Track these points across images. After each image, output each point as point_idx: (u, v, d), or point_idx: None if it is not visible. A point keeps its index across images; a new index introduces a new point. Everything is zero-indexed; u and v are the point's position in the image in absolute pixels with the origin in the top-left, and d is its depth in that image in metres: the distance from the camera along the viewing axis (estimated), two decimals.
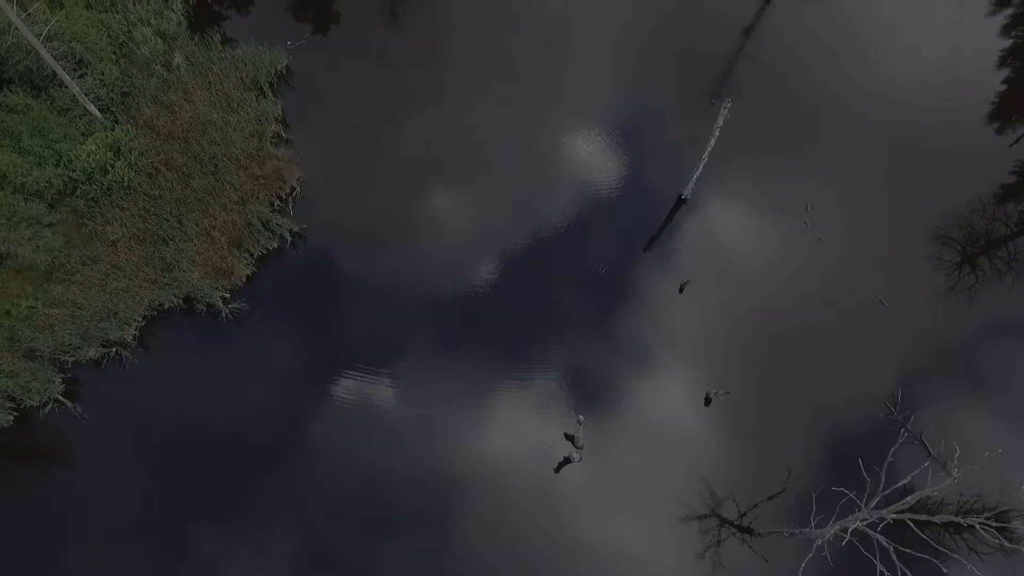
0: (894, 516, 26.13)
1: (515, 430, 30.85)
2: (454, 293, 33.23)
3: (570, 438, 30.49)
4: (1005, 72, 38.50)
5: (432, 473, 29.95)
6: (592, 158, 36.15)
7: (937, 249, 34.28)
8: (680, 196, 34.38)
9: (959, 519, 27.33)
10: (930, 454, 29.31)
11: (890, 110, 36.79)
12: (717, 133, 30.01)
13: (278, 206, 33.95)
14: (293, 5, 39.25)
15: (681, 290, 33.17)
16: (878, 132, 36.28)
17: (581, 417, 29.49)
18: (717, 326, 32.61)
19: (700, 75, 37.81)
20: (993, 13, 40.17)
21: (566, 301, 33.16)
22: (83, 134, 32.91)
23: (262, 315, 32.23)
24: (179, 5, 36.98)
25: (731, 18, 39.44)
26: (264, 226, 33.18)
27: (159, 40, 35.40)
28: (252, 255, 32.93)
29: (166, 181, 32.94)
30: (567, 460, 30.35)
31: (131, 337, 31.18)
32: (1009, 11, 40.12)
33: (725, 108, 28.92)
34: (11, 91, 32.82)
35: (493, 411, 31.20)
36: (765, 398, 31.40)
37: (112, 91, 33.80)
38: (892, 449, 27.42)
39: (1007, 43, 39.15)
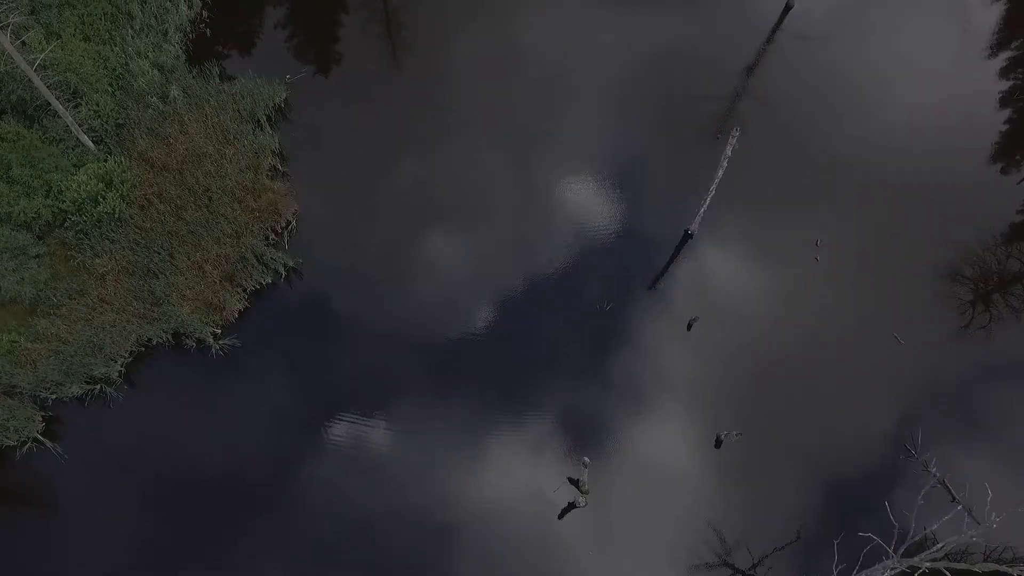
0: (929, 565, 24.43)
1: (518, 474, 29.56)
2: (455, 332, 32.25)
3: (575, 482, 29.06)
4: (1007, 112, 38.32)
5: (431, 518, 28.62)
6: (596, 195, 35.47)
7: (950, 287, 33.47)
8: (687, 231, 33.62)
9: (1005, 568, 25.51)
10: (954, 498, 27.96)
11: (899, 148, 36.26)
12: (725, 164, 29.43)
13: (273, 240, 33.07)
14: (293, 42, 38.98)
15: (689, 327, 32.16)
16: (888, 170, 35.68)
17: (587, 459, 28.10)
18: (727, 365, 31.52)
19: (705, 112, 37.37)
20: (993, 55, 40.20)
21: (570, 340, 32.11)
22: (75, 165, 32.21)
23: (254, 351, 31.13)
24: (178, 38, 36.68)
25: (734, 57, 39.22)
26: (258, 260, 32.24)
27: (156, 72, 35.03)
28: (245, 289, 31.93)
29: (158, 213, 32.11)
30: (572, 505, 28.91)
31: (117, 373, 30.01)
32: (1008, 53, 40.19)
33: (733, 138, 28.38)
34: (2, 120, 32.17)
35: (494, 454, 29.94)
36: (778, 440, 30.22)
37: (107, 122, 33.21)
38: (923, 491, 25.98)
39: (1008, 84, 39.03)
